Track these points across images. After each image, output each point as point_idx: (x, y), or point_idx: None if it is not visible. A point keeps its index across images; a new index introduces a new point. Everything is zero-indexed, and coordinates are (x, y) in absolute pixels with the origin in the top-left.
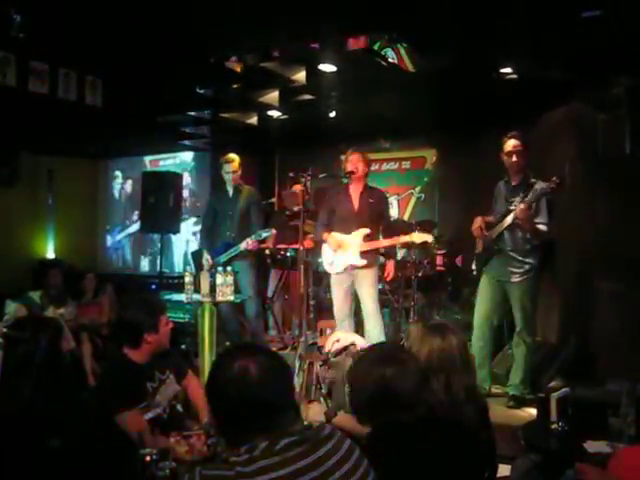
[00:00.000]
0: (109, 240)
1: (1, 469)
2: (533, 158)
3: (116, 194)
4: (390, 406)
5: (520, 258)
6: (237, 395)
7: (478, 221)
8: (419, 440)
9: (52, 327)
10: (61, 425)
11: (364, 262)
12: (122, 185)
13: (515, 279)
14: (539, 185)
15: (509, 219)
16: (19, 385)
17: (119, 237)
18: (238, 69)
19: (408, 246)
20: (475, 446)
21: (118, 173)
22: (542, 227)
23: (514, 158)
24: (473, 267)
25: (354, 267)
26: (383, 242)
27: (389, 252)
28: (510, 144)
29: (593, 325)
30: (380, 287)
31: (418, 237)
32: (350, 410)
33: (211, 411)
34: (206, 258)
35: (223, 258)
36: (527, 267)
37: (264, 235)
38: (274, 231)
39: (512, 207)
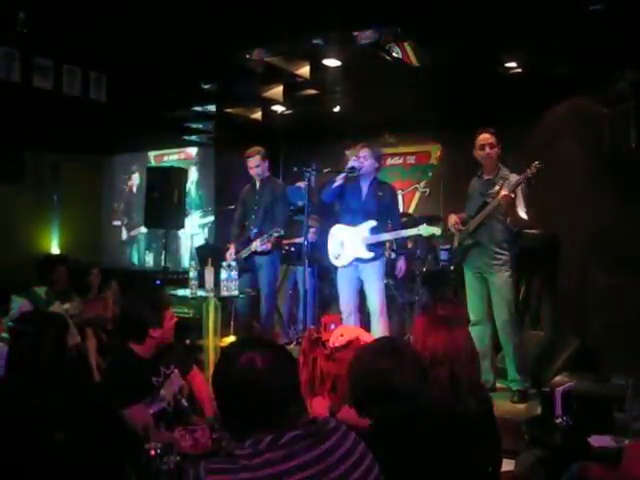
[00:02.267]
0: (125, 234)
1: (6, 463)
2: (538, 153)
3: (134, 189)
4: (388, 398)
5: (497, 250)
6: (243, 388)
7: (453, 217)
8: (421, 433)
9: (57, 322)
10: (66, 420)
11: (371, 255)
12: (129, 180)
13: (493, 271)
14: (514, 177)
15: (487, 210)
16: (24, 380)
17: (134, 232)
18: (259, 64)
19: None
20: (478, 439)
21: (134, 167)
22: (523, 215)
23: (487, 150)
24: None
25: (360, 260)
26: (390, 234)
27: (400, 248)
28: (482, 138)
29: (596, 320)
30: (385, 282)
31: (425, 230)
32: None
33: (217, 404)
34: (230, 253)
35: (244, 253)
36: (504, 258)
37: (274, 235)
38: (282, 232)
39: (488, 200)
